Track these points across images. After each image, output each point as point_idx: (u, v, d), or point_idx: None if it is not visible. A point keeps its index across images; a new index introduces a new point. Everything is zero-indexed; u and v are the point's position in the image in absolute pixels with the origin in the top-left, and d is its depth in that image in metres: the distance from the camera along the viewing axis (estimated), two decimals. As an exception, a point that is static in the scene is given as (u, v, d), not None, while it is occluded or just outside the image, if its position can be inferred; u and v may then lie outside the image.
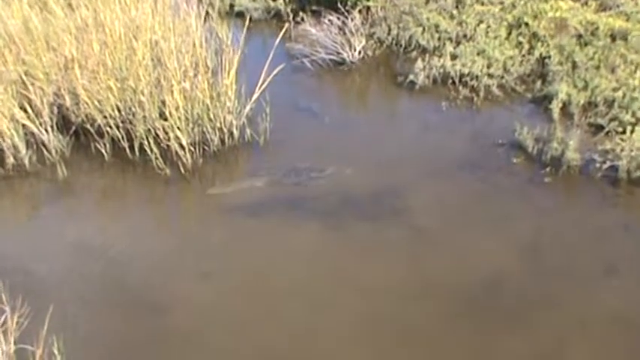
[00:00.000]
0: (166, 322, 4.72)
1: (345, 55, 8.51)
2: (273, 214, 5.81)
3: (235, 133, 6.82)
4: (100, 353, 4.49)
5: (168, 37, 7.01)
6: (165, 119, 6.43)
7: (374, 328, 4.63)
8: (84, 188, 6.32)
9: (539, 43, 8.20)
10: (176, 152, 6.41)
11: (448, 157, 6.52)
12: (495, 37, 8.40)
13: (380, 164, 6.44)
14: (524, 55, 8.11)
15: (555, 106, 6.96)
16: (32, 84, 6.62)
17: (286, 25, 8.66)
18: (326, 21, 8.84)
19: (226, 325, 4.70)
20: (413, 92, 7.87)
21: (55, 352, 4.26)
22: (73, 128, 6.77)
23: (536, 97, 7.53)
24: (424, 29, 8.78)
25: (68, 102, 6.75)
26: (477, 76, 7.79)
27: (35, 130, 6.54)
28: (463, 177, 6.22)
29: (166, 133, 6.43)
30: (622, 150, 6.09)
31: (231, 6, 10.34)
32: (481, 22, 8.71)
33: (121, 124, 6.61)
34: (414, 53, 8.58)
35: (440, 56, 8.20)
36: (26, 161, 6.47)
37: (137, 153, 6.53)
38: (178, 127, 6.40)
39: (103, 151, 6.54)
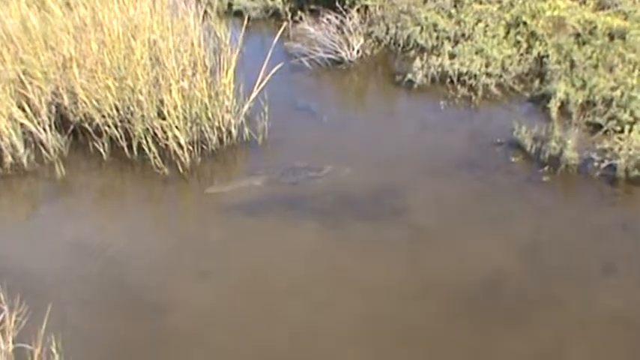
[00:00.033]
0: (164, 321, 4.72)
1: (343, 54, 8.51)
2: (271, 214, 5.81)
3: (234, 132, 6.82)
4: (99, 352, 4.49)
5: (167, 36, 7.00)
6: (164, 118, 6.43)
7: (373, 327, 4.63)
8: (82, 187, 6.32)
9: (538, 42, 8.21)
10: (174, 151, 6.41)
11: (446, 156, 6.52)
12: (493, 36, 8.40)
13: (378, 163, 6.44)
14: (522, 54, 8.12)
15: (553, 105, 6.96)
16: (30, 83, 6.61)
17: (284, 24, 8.67)
18: (324, 20, 8.84)
19: (225, 324, 4.69)
20: (411, 91, 7.87)
21: (54, 350, 4.25)
22: (72, 127, 6.76)
23: (534, 96, 7.53)
24: (422, 28, 8.78)
25: (66, 101, 6.74)
26: (475, 75, 7.79)
27: (33, 129, 6.53)
28: (461, 176, 6.22)
29: (165, 132, 6.43)
30: (620, 149, 6.09)
31: (230, 5, 10.33)
32: (479, 21, 8.71)
33: (119, 124, 6.60)
34: (413, 52, 8.58)
35: (438, 55, 8.20)
36: (24, 160, 6.46)
37: (135, 152, 6.52)
38: (177, 127, 6.39)
39: (102, 150, 6.53)
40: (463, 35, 8.61)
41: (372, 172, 6.30)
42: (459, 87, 7.72)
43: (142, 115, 6.51)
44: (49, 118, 6.62)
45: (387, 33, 8.95)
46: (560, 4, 8.72)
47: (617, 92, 6.98)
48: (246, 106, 6.94)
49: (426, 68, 7.96)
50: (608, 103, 6.95)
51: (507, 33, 8.50)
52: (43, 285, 5.02)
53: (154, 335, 4.61)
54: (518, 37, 8.37)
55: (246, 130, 6.85)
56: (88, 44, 6.77)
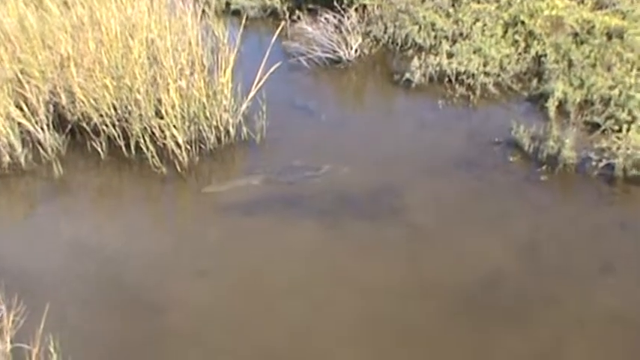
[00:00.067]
0: (162, 320, 4.71)
1: (341, 53, 8.50)
2: (269, 213, 5.80)
3: (231, 131, 6.82)
4: (97, 351, 4.48)
5: (165, 35, 6.99)
6: (162, 117, 6.42)
7: (371, 326, 4.62)
8: (80, 187, 6.31)
9: (536, 42, 8.20)
10: (172, 151, 6.40)
11: (444, 155, 6.52)
12: (491, 36, 8.39)
13: (376, 162, 6.44)
14: (520, 54, 8.11)
15: (551, 105, 6.96)
16: (28, 82, 6.60)
17: (282, 23, 8.68)
18: (322, 19, 8.83)
19: (222, 324, 4.69)
20: (409, 90, 7.86)
21: (52, 350, 4.24)
22: (69, 126, 6.75)
23: (532, 96, 7.53)
24: (420, 27, 8.77)
25: (64, 100, 6.73)
26: (473, 75, 7.79)
27: (31, 128, 6.52)
28: (460, 175, 6.21)
29: (162, 131, 6.42)
30: (618, 148, 6.10)
31: (228, 4, 10.32)
32: (477, 20, 8.71)
33: (117, 123, 6.59)
34: (411, 51, 8.57)
35: (436, 54, 8.19)
36: (22, 160, 6.45)
37: (133, 151, 6.51)
38: (174, 126, 6.39)
39: (99, 149, 6.53)
40: (461, 34, 8.61)
41: (370, 172, 6.29)
42: (457, 86, 7.72)
43: (140, 115, 6.51)
44: (47, 118, 6.62)
45: (385, 32, 8.94)
46: (558, 4, 8.72)
47: (615, 91, 6.98)
48: (244, 106, 6.93)
49: (424, 67, 7.96)
50: (606, 102, 6.95)
51: (505, 32, 8.49)
52: (41, 284, 5.02)
53: (151, 334, 4.61)
54: (516, 37, 8.37)
55: (244, 129, 6.85)
56: (85, 43, 6.76)
